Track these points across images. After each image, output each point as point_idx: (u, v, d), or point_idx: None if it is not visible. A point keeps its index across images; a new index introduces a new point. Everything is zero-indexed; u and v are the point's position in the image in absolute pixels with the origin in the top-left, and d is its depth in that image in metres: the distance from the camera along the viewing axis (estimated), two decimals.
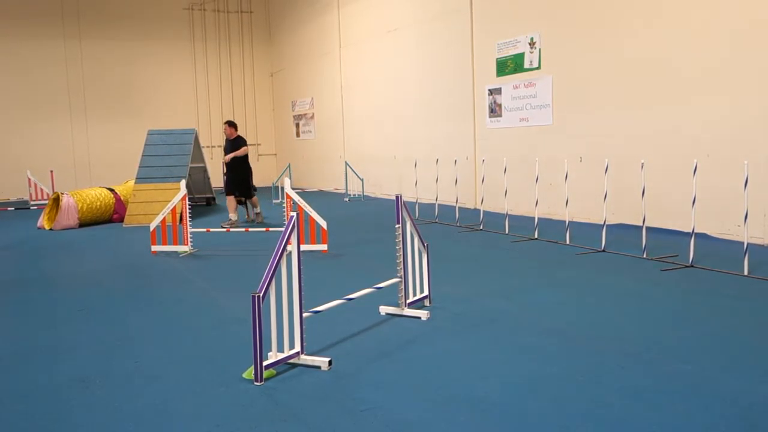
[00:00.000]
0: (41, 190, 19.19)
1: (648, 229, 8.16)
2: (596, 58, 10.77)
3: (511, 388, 3.97)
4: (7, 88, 21.54)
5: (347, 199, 17.31)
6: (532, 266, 7.75)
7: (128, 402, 3.95)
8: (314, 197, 17.25)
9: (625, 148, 10.14)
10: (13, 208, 17.88)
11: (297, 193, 9.29)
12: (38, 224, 13.27)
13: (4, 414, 3.84)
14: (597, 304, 5.91)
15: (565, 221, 9.33)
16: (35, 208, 17.75)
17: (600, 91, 10.76)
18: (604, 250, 8.35)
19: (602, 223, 8.57)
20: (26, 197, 19.63)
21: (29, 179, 19.18)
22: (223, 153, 12.65)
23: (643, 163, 8.15)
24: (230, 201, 12.22)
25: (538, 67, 11.99)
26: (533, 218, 9.89)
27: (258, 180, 24.55)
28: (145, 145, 15.00)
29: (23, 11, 21.70)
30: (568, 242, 8.97)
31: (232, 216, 12.06)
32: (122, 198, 14.06)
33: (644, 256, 7.84)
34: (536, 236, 9.55)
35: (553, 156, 11.34)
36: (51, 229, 12.81)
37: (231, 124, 12.66)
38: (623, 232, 9.63)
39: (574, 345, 4.75)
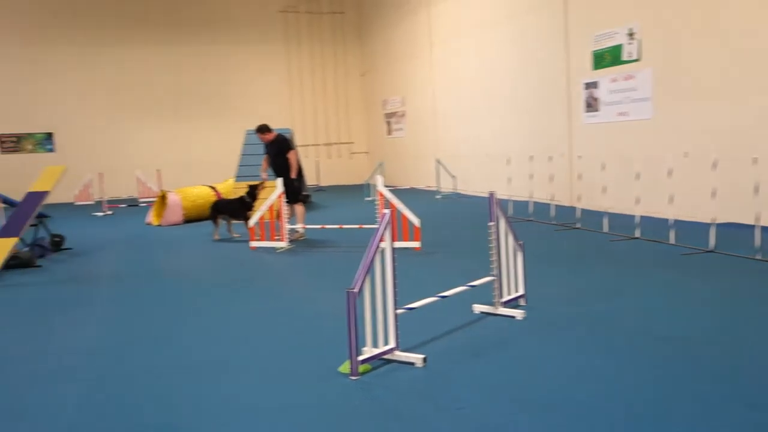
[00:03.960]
0: (149, 188, 20.24)
1: (762, 228, 7.69)
2: (701, 47, 10.26)
3: (612, 394, 3.85)
4: (118, 93, 22.86)
5: (439, 197, 17.29)
6: (633, 267, 7.47)
7: (228, 390, 4.11)
8: (406, 195, 17.32)
9: (734, 142, 9.61)
10: (125, 205, 18.97)
11: (389, 190, 9.35)
12: (147, 220, 14.00)
13: (115, 397, 4.08)
14: (704, 308, 5.63)
15: (668, 220, 8.93)
16: (144, 205, 18.75)
17: (705, 82, 10.25)
18: (712, 251, 7.95)
19: (710, 221, 8.16)
20: (136, 195, 20.74)
21: (138, 178, 20.26)
22: (267, 158, 10.70)
23: (756, 158, 7.69)
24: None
25: (638, 59, 11.55)
26: (633, 216, 9.54)
27: (350, 178, 25.11)
28: (244, 144, 15.50)
29: (131, 20, 22.94)
30: (672, 242, 8.59)
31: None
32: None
33: (758, 257, 7.39)
34: (637, 235, 9.21)
35: (654, 151, 10.89)
36: (158, 225, 13.49)
37: (261, 130, 10.66)
38: (734, 231, 9.11)
39: (679, 351, 4.55)
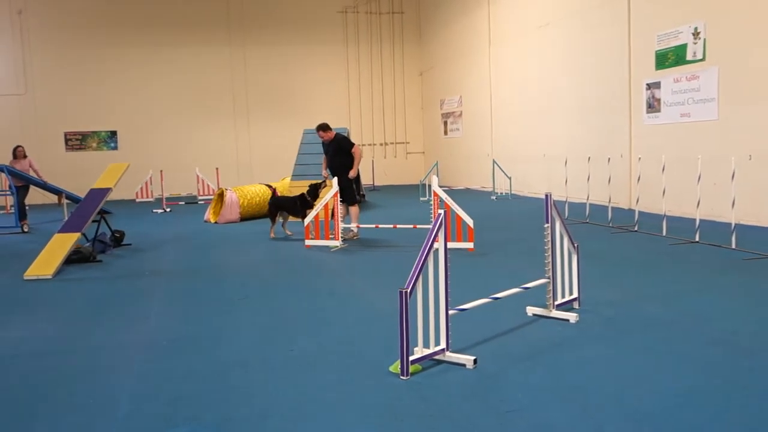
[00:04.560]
0: (208, 186, 20.69)
1: None
2: None
3: (666, 399, 3.76)
4: (179, 92, 23.46)
5: (494, 198, 17.14)
6: (693, 271, 7.27)
7: (283, 388, 4.17)
8: (461, 195, 17.22)
9: None
10: (183, 203, 19.44)
11: (444, 190, 9.32)
12: (205, 218, 14.33)
13: (173, 391, 4.19)
14: (766, 315, 5.43)
15: (731, 223, 8.63)
16: (202, 202, 19.18)
17: None
18: None
19: None
20: (195, 192, 21.24)
21: (197, 176, 20.75)
22: (327, 156, 10.59)
23: None
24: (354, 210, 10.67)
25: (703, 59, 11.22)
26: (694, 220, 9.26)
27: (406, 178, 25.14)
28: (301, 143, 15.67)
29: (194, 21, 23.51)
30: (734, 246, 8.30)
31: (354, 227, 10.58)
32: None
33: None
34: (697, 239, 8.94)
35: (717, 154, 10.56)
36: (216, 223, 13.77)
37: (322, 128, 10.56)
38: None
39: (739, 356, 4.41)
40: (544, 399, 3.83)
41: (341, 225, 9.91)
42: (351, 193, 10.42)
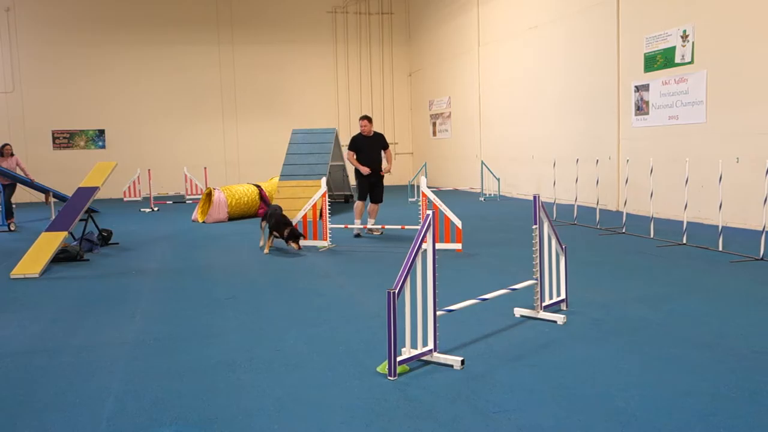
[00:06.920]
0: (196, 185, 20.60)
1: None
2: (758, 50, 9.97)
3: (653, 400, 3.77)
4: (168, 91, 23.33)
5: (482, 199, 17.18)
6: (680, 273, 7.30)
7: (270, 388, 4.15)
8: (449, 196, 17.26)
9: None
10: (171, 202, 19.34)
11: (432, 191, 9.33)
12: (192, 217, 14.26)
13: (159, 390, 4.16)
14: (752, 317, 5.47)
15: (717, 226, 8.69)
16: (190, 202, 19.09)
17: (761, 86, 9.95)
18: (762, 259, 7.72)
19: (761, 229, 7.91)
20: (183, 192, 21.13)
21: (185, 175, 20.65)
22: (366, 151, 10.68)
23: None
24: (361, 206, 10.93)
25: (691, 62, 11.28)
26: (681, 222, 9.32)
27: (394, 179, 25.13)
28: (289, 143, 15.62)
29: (183, 20, 23.40)
30: (720, 249, 8.36)
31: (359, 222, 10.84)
32: (267, 194, 14.78)
33: None
34: (684, 241, 8.99)
35: (705, 156, 10.63)
36: (204, 222, 13.72)
37: (371, 120, 11.00)
38: None
39: (725, 359, 4.43)
40: (532, 400, 3.83)
41: (363, 225, 10.36)
42: (382, 191, 10.85)
